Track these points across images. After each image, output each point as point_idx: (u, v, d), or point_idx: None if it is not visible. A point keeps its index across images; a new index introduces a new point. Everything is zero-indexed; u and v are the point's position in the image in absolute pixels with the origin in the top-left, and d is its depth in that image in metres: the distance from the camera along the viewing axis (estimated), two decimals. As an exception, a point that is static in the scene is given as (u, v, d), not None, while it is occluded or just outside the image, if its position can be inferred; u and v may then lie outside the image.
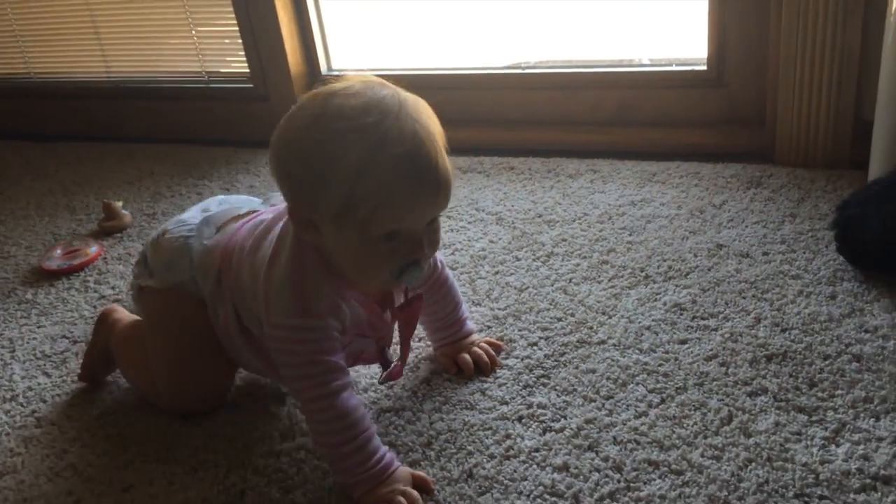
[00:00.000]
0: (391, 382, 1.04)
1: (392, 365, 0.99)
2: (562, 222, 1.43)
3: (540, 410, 0.98)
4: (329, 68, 1.97)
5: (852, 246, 1.15)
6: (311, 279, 0.87)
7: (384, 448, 0.90)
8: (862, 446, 0.87)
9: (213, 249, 1.00)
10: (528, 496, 0.86)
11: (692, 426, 0.93)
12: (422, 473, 0.90)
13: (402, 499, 0.85)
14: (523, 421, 0.97)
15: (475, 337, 1.10)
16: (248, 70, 1.97)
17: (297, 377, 0.88)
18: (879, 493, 0.81)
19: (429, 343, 1.12)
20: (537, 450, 0.92)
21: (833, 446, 0.88)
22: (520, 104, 1.79)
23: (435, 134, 0.82)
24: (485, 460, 0.92)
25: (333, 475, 0.91)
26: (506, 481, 0.89)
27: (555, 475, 0.89)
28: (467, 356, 1.06)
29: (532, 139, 1.75)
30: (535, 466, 0.90)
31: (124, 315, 1.14)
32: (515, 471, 0.90)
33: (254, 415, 1.04)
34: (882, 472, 0.84)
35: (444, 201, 0.84)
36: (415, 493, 0.86)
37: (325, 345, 0.88)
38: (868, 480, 0.83)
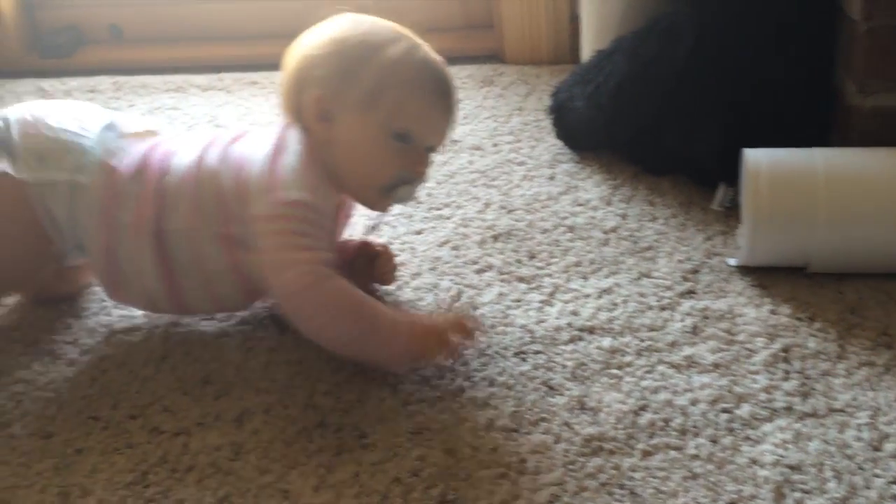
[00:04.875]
0: None
1: None
2: (305, 132, 1.41)
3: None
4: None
5: (565, 128, 1.24)
6: (319, 171, 0.87)
7: None
8: (572, 304, 0.96)
9: (139, 165, 0.89)
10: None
11: (425, 307, 0.98)
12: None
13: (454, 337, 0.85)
14: (264, 323, 0.97)
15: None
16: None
17: (294, 262, 0.81)
18: (585, 342, 0.90)
19: None
20: (275, 349, 0.93)
21: (548, 307, 0.96)
22: (261, 17, 1.72)
23: None
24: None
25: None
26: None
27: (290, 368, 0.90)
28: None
29: (276, 54, 1.69)
30: (273, 366, 0.91)
31: None
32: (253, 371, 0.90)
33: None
34: (587, 323, 0.93)
35: (451, 127, 0.91)
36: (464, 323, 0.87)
37: (323, 235, 0.85)
38: (576, 332, 0.92)
